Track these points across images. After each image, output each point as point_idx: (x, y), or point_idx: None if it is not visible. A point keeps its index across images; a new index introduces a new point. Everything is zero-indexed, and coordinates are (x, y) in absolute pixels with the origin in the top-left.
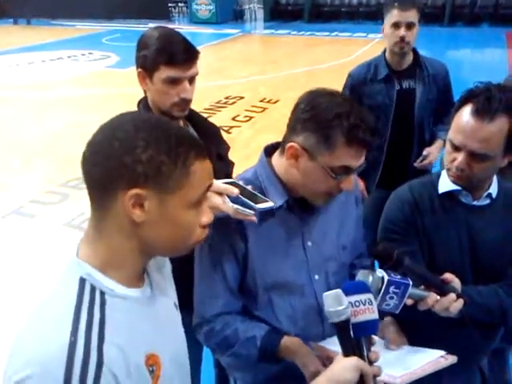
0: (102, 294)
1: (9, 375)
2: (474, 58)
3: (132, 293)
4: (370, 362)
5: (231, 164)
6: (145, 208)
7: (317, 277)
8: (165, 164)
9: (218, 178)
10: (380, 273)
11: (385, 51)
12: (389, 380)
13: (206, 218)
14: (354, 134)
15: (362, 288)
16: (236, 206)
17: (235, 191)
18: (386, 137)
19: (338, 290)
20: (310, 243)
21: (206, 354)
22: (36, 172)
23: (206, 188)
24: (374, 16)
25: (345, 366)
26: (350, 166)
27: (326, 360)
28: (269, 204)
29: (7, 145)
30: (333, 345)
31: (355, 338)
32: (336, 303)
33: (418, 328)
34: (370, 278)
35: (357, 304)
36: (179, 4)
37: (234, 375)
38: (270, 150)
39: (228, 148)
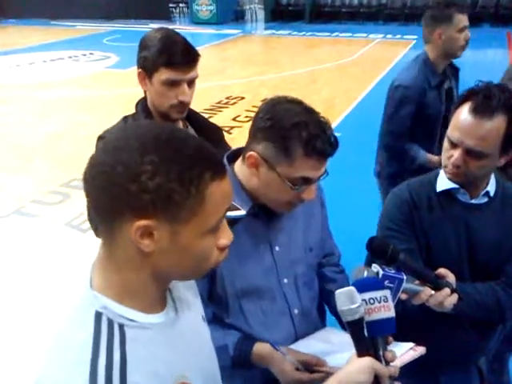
0: (121, 326)
1: None
2: (475, 58)
3: (153, 319)
4: (386, 363)
5: None
6: (154, 238)
7: (286, 280)
8: (175, 192)
9: None
10: (375, 268)
11: (425, 57)
12: None
13: (225, 239)
14: (313, 145)
15: (377, 284)
16: None
17: None
18: (435, 140)
19: (351, 288)
20: (277, 248)
21: None
22: (37, 172)
23: (225, 211)
24: (374, 16)
25: (358, 367)
26: (310, 177)
27: (300, 364)
28: (240, 212)
29: (8, 145)
30: (304, 347)
31: (370, 338)
32: (349, 301)
33: (414, 327)
34: (365, 273)
35: (371, 301)
36: (180, 4)
37: None
38: (231, 157)
39: (229, 149)
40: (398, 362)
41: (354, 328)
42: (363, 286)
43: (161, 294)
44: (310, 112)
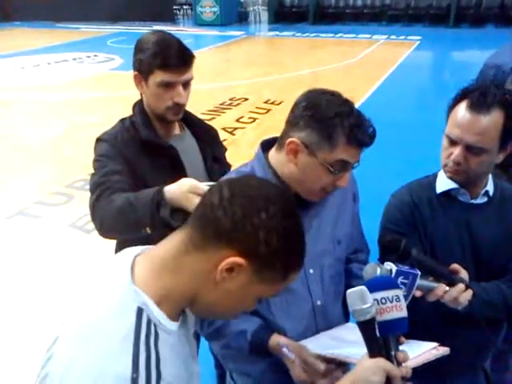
0: (155, 326)
1: None
2: (480, 59)
3: (174, 327)
4: (399, 363)
5: (228, 166)
6: (231, 275)
7: (311, 270)
8: (282, 262)
9: (213, 179)
10: (388, 265)
11: None
12: None
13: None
14: (355, 135)
15: (389, 284)
16: None
17: None
18: None
19: (363, 287)
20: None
21: (207, 356)
22: (41, 173)
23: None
24: (378, 17)
25: (370, 367)
26: (349, 162)
27: (304, 364)
28: None
29: (13, 146)
30: (332, 340)
31: (382, 338)
32: (360, 301)
33: (424, 327)
34: (378, 270)
35: (383, 301)
36: (184, 6)
37: (229, 367)
38: (266, 146)
39: (225, 150)
40: (421, 359)
41: (366, 328)
42: (375, 285)
43: (181, 310)
44: (350, 103)
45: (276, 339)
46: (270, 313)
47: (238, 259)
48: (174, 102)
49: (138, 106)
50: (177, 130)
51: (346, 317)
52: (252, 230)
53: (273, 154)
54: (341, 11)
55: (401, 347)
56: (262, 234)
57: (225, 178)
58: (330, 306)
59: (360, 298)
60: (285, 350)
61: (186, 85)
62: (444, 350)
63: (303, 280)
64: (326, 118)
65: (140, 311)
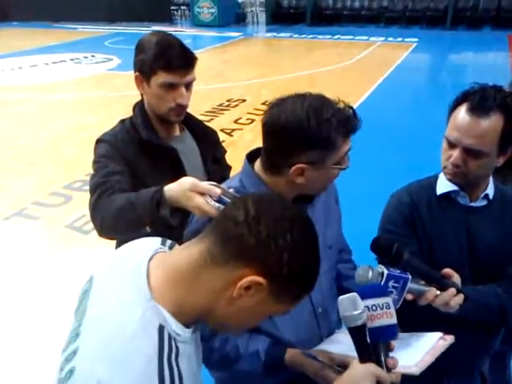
0: (175, 340)
1: None
2: (476, 61)
3: (189, 334)
4: (388, 369)
5: (228, 168)
6: (248, 293)
7: None
8: (299, 284)
9: (213, 181)
10: (380, 268)
11: None
12: (405, 370)
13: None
14: (347, 128)
15: (380, 291)
16: (218, 204)
17: (218, 191)
18: None
19: (354, 294)
20: None
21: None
22: (39, 174)
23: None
24: (375, 19)
25: (360, 372)
26: (348, 150)
27: (332, 363)
28: None
29: (10, 147)
30: (331, 344)
31: (372, 344)
32: (351, 307)
33: (418, 330)
34: (370, 273)
35: (374, 308)
36: (181, 7)
37: None
38: (251, 157)
39: (224, 152)
40: (431, 357)
41: (357, 334)
42: (366, 292)
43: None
44: (325, 102)
45: (293, 351)
46: (275, 327)
47: (259, 278)
48: (176, 103)
49: (139, 106)
50: (177, 132)
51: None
52: (276, 251)
53: (263, 173)
54: (338, 13)
55: (409, 341)
56: (286, 256)
57: (244, 195)
58: (330, 311)
59: (352, 305)
60: (307, 353)
61: (189, 86)
62: (450, 339)
63: None
64: (318, 133)
65: (161, 329)
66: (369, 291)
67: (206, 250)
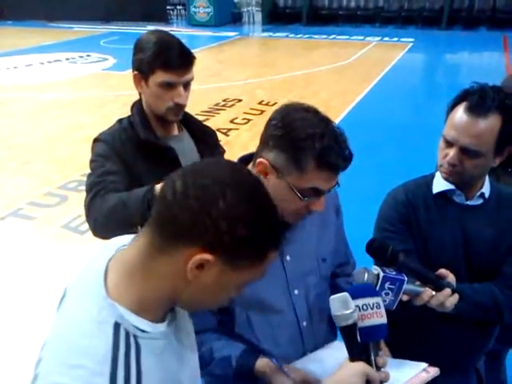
0: (135, 337)
1: None
2: (472, 62)
3: (160, 329)
4: (378, 368)
5: None
6: (203, 270)
7: (296, 292)
8: (253, 248)
9: None
10: (375, 270)
11: None
12: None
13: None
14: (326, 159)
15: (370, 291)
16: None
17: None
18: None
19: (346, 294)
20: (288, 257)
21: None
22: (34, 174)
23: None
24: (371, 19)
25: (351, 371)
26: (320, 189)
27: (303, 383)
28: None
29: (5, 146)
30: (311, 362)
31: (362, 343)
32: (343, 307)
33: (415, 329)
34: (366, 275)
35: (364, 308)
36: (177, 7)
37: None
38: (244, 161)
39: (223, 152)
40: None
41: (348, 333)
42: (357, 292)
43: (167, 310)
44: (326, 123)
45: (263, 361)
46: (255, 337)
47: (205, 255)
48: (174, 102)
49: (137, 106)
50: (175, 131)
51: (333, 333)
52: (211, 223)
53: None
54: (334, 13)
55: (390, 367)
56: (224, 224)
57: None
58: (316, 325)
59: (343, 304)
60: (279, 367)
61: (187, 85)
62: (434, 371)
63: (288, 302)
64: (296, 139)
65: (117, 326)
66: (359, 291)
67: (149, 241)
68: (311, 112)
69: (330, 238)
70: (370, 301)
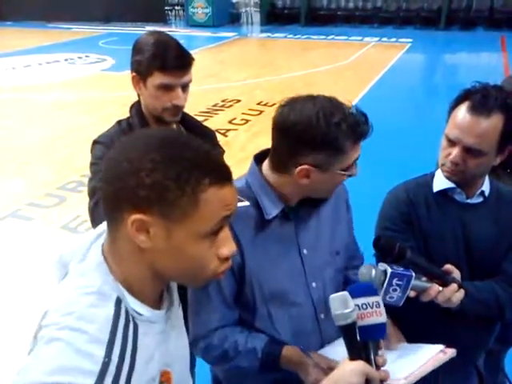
0: (133, 317)
1: (38, 379)
2: (470, 62)
3: (157, 315)
4: (377, 367)
5: None
6: (150, 234)
7: (314, 284)
8: (170, 190)
9: None
10: (382, 266)
11: None
12: (393, 383)
13: (226, 249)
14: (357, 134)
15: (370, 290)
16: None
17: None
18: None
19: (345, 293)
20: (305, 251)
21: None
22: (33, 175)
23: (222, 218)
24: (369, 20)
25: (350, 370)
26: (358, 157)
27: (328, 369)
28: (244, 203)
29: (4, 147)
30: (332, 353)
31: (362, 342)
32: (342, 306)
33: (416, 326)
34: (373, 272)
35: (364, 307)
36: (176, 7)
37: None
38: (259, 158)
39: (223, 152)
40: (428, 367)
41: (347, 332)
42: (356, 291)
43: (160, 291)
44: (338, 105)
45: (289, 350)
46: (275, 331)
47: (135, 216)
48: (172, 103)
49: (136, 107)
50: None
51: None
52: (123, 184)
53: (269, 172)
54: (332, 13)
55: (408, 351)
56: (131, 180)
57: None
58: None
59: (342, 303)
60: (312, 354)
61: (185, 87)
62: (451, 352)
63: (307, 294)
64: (326, 135)
65: (119, 301)
66: (359, 290)
67: (106, 221)
68: (316, 103)
69: (342, 232)
70: (370, 300)
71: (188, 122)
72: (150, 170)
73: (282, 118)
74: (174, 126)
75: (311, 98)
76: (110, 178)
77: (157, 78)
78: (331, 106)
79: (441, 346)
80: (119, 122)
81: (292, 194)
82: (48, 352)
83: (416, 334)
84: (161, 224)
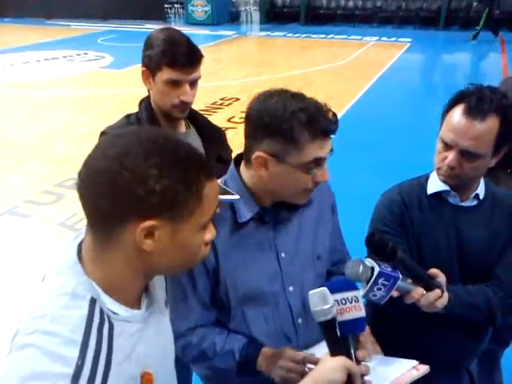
0: (109, 317)
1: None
2: (469, 62)
3: (134, 314)
4: (358, 361)
5: None
6: (155, 237)
7: (291, 288)
8: (180, 193)
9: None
10: (370, 263)
11: None
12: None
13: (210, 234)
14: (316, 126)
15: (348, 285)
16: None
17: None
18: None
19: (324, 288)
20: (283, 254)
21: None
22: (30, 172)
23: (216, 208)
24: (369, 19)
25: (332, 366)
26: (320, 157)
27: (304, 361)
28: (234, 196)
29: (1, 144)
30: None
31: (342, 337)
32: (322, 302)
33: (406, 330)
34: (361, 267)
35: (343, 302)
36: (175, 5)
37: None
38: (239, 160)
39: (231, 151)
40: (400, 382)
41: (327, 328)
42: (335, 286)
43: (142, 290)
44: (302, 97)
45: (268, 349)
46: (250, 331)
47: (146, 223)
48: (180, 99)
49: (145, 102)
50: (182, 128)
51: None
52: (129, 195)
53: (243, 170)
54: (332, 12)
55: (380, 364)
56: (139, 190)
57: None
58: (312, 323)
59: (321, 299)
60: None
61: (194, 83)
62: (424, 369)
63: (283, 298)
64: (282, 121)
65: (93, 301)
66: (338, 285)
67: (91, 236)
68: (284, 92)
69: (325, 236)
70: (349, 295)
71: (197, 119)
72: (157, 176)
73: (248, 107)
74: (183, 122)
75: (281, 91)
76: (107, 190)
77: (165, 74)
78: (296, 97)
79: (415, 362)
80: (128, 116)
81: (260, 191)
82: (21, 358)
83: (405, 339)
84: (168, 226)
